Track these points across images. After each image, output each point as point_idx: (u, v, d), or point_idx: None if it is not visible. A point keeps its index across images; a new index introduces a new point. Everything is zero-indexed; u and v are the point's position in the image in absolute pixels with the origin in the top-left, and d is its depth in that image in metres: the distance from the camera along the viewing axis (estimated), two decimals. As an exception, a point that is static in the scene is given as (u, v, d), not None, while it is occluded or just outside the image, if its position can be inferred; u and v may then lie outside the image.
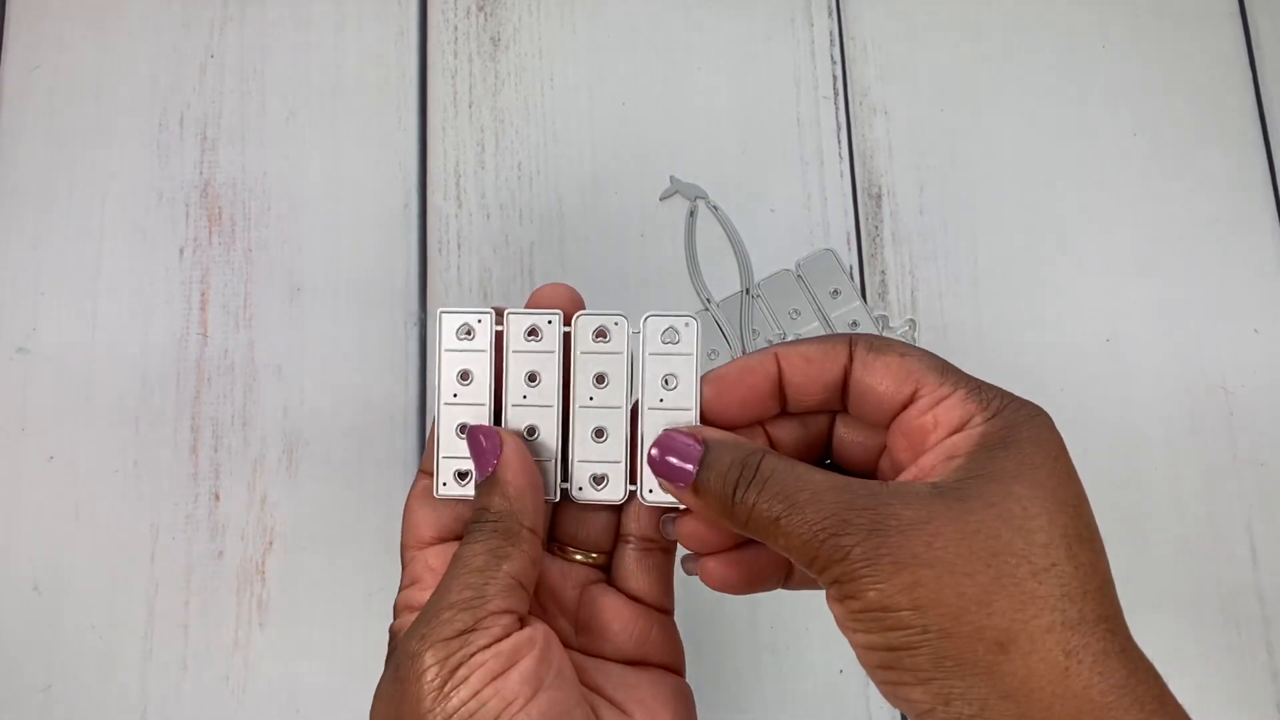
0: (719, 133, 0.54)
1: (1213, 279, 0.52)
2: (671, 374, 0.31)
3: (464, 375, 0.31)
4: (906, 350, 0.29)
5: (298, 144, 0.53)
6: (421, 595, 0.29)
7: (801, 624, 0.48)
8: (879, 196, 0.53)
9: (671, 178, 0.52)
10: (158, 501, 0.48)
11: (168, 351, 0.50)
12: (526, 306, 0.32)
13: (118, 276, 0.51)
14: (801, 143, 0.54)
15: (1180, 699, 0.25)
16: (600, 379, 0.31)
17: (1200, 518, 0.49)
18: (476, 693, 0.25)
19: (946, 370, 0.28)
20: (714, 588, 0.30)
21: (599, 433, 0.31)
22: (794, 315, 0.51)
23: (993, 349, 0.51)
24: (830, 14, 0.56)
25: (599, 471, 0.31)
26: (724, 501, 0.27)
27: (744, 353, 0.49)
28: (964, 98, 0.55)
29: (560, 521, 0.32)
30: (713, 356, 0.50)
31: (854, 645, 0.26)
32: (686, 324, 0.31)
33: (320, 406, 0.49)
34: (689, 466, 0.28)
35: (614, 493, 0.31)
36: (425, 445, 0.32)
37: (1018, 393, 0.28)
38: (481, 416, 0.31)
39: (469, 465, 0.30)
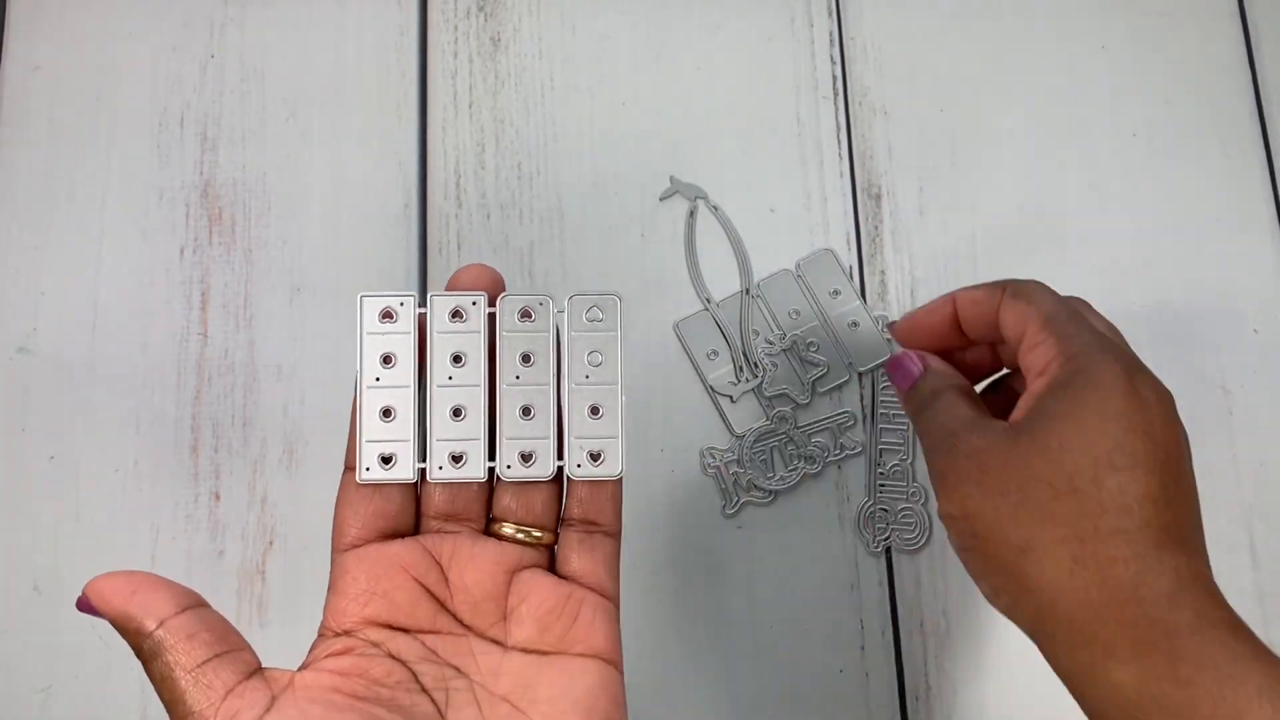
0: (719, 133, 0.54)
1: (1213, 279, 0.52)
2: (596, 351, 0.31)
3: (386, 359, 0.31)
4: (1033, 296, 0.34)
5: (298, 144, 0.53)
6: (338, 601, 0.30)
7: (802, 624, 0.48)
8: (879, 196, 0.53)
9: (671, 178, 0.52)
10: (158, 501, 0.48)
11: (168, 351, 0.50)
12: (447, 289, 0.32)
13: (118, 276, 0.51)
14: (801, 143, 0.54)
15: (1180, 698, 0.25)
16: (526, 358, 0.31)
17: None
18: None
19: (1053, 319, 0.33)
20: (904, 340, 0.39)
21: (526, 410, 0.31)
22: (794, 315, 0.51)
23: (993, 349, 0.51)
24: (830, 14, 0.56)
25: (527, 449, 0.31)
26: (917, 409, 0.36)
27: (744, 353, 0.50)
28: (964, 98, 0.55)
29: (500, 499, 0.32)
30: (712, 357, 0.50)
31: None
32: (610, 303, 0.31)
33: (320, 406, 0.49)
34: (915, 372, 0.37)
35: (543, 469, 0.31)
36: (348, 438, 0.32)
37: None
38: (405, 399, 0.31)
39: (392, 449, 0.30)
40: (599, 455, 0.31)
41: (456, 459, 0.31)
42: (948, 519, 0.33)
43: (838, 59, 0.55)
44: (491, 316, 0.31)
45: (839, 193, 0.53)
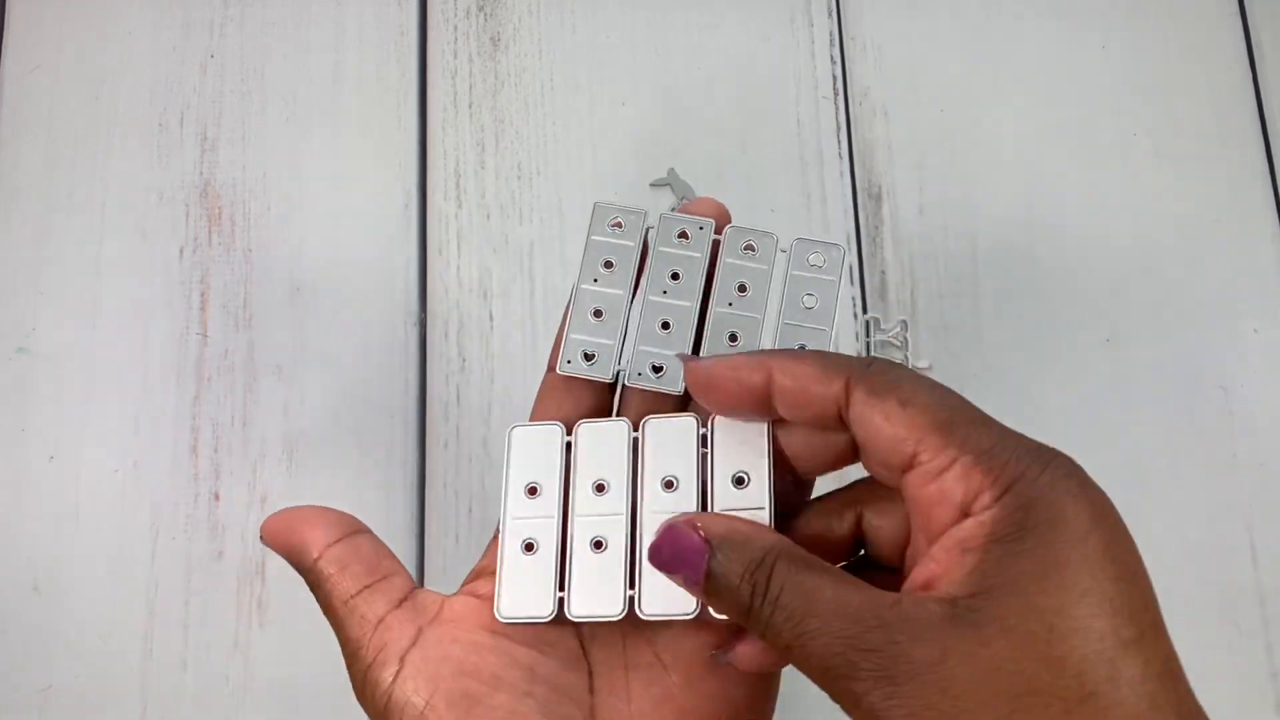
0: (719, 133, 0.54)
1: (1213, 279, 0.52)
2: (812, 294, 0.31)
3: (608, 264, 0.31)
4: (910, 396, 0.24)
5: (298, 144, 0.53)
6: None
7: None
8: (879, 196, 0.53)
9: (670, 170, 0.52)
10: (158, 502, 0.48)
11: (168, 351, 0.50)
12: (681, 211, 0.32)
13: (118, 276, 0.51)
14: (801, 143, 0.53)
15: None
16: (742, 288, 0.31)
17: (1200, 518, 0.49)
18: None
19: (952, 427, 0.23)
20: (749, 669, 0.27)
21: (733, 337, 0.31)
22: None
23: (993, 349, 0.51)
24: (830, 14, 0.56)
25: None
26: (739, 612, 0.24)
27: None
28: (964, 98, 0.55)
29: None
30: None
31: None
32: (836, 251, 0.31)
33: (320, 406, 0.49)
34: (697, 566, 0.24)
35: None
36: (556, 337, 0.31)
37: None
38: (619, 304, 0.31)
39: (596, 348, 0.30)
40: None
41: (657, 370, 0.30)
42: None
43: (838, 59, 0.55)
44: (716, 244, 0.32)
45: (839, 193, 0.53)
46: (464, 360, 0.50)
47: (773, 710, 0.29)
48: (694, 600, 0.27)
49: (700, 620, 0.27)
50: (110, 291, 0.51)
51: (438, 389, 0.50)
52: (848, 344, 0.51)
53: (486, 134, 0.53)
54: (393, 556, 0.29)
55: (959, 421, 0.23)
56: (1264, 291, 0.52)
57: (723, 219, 0.32)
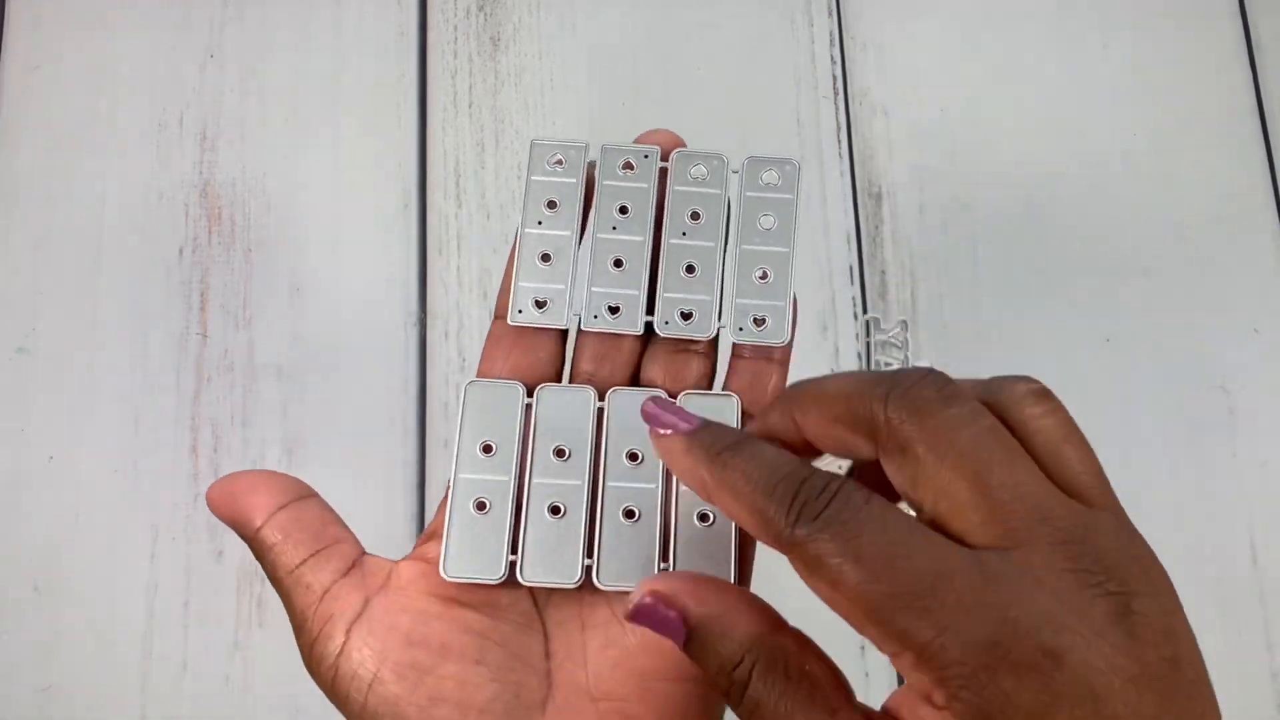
0: (719, 132, 0.54)
1: (1213, 279, 0.52)
2: (769, 213, 0.30)
3: (551, 204, 0.30)
4: (838, 575, 0.19)
5: (298, 144, 0.53)
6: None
7: (800, 618, 0.48)
8: (879, 196, 0.53)
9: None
10: (158, 502, 0.48)
11: (168, 351, 0.50)
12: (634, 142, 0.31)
13: (118, 276, 0.51)
14: (801, 143, 0.53)
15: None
16: (695, 215, 0.30)
17: (1200, 518, 0.49)
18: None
19: (886, 618, 0.19)
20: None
21: (690, 268, 0.29)
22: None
23: (993, 349, 0.51)
24: (830, 14, 0.56)
25: (688, 308, 0.29)
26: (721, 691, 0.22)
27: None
28: (964, 98, 0.55)
29: (647, 369, 0.29)
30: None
31: None
32: (789, 169, 0.30)
33: (320, 406, 0.49)
34: (677, 638, 0.22)
35: (703, 328, 0.29)
36: (501, 283, 0.30)
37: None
38: (567, 246, 0.29)
39: (548, 295, 0.29)
40: (763, 321, 0.29)
41: (614, 310, 0.29)
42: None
43: (838, 59, 0.55)
44: (664, 173, 0.30)
45: (839, 193, 0.53)
46: (464, 360, 0.50)
47: None
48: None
49: None
50: (110, 291, 0.51)
51: (438, 389, 0.50)
52: (848, 344, 0.51)
53: (486, 134, 0.53)
54: (339, 522, 0.28)
55: (893, 609, 0.19)
56: (1264, 291, 0.52)
57: (672, 145, 0.30)
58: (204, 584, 0.47)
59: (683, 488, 0.27)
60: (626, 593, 0.26)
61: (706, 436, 0.23)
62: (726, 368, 0.30)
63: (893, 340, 0.51)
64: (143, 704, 0.46)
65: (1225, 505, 0.49)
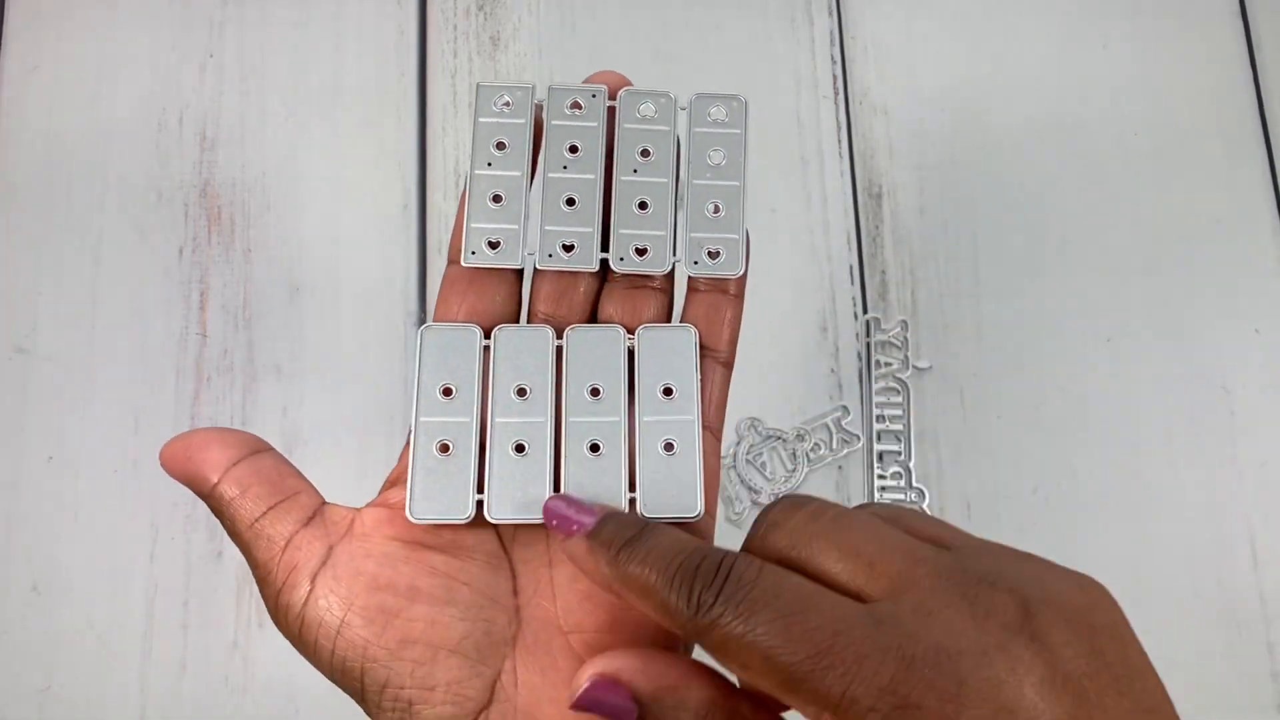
0: (719, 133, 0.54)
1: (1213, 279, 0.52)
2: (719, 149, 0.30)
3: (500, 145, 0.30)
4: (747, 658, 0.20)
5: (297, 144, 0.53)
6: None
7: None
8: (879, 196, 0.53)
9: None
10: (157, 501, 0.48)
11: (167, 351, 0.50)
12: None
13: (117, 276, 0.51)
14: (801, 142, 0.53)
15: (1180, 700, 0.25)
16: (645, 153, 0.30)
17: (1200, 518, 0.49)
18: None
19: (798, 684, 0.19)
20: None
21: (643, 205, 0.30)
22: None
23: (993, 349, 0.51)
24: (830, 14, 0.56)
25: (642, 244, 0.29)
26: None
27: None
28: (964, 98, 0.55)
29: (605, 307, 0.30)
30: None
31: None
32: (737, 104, 0.31)
33: (320, 406, 0.49)
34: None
35: (658, 263, 0.29)
36: (454, 227, 0.30)
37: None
38: (517, 186, 0.29)
39: (500, 235, 0.29)
40: (718, 254, 0.29)
41: (568, 248, 0.29)
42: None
43: (838, 58, 0.55)
44: (612, 111, 0.30)
45: (839, 193, 0.53)
46: (464, 360, 0.50)
47: None
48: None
49: None
50: (110, 291, 0.51)
51: (437, 389, 0.50)
52: (848, 344, 0.51)
53: (486, 134, 0.53)
54: (298, 474, 0.28)
55: (801, 674, 0.19)
56: (1264, 291, 0.52)
57: (619, 85, 0.30)
58: (203, 584, 0.47)
59: (646, 417, 0.28)
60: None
61: (605, 534, 0.24)
62: (683, 301, 0.30)
63: (892, 340, 0.51)
64: (142, 704, 0.46)
65: (1225, 505, 0.49)
